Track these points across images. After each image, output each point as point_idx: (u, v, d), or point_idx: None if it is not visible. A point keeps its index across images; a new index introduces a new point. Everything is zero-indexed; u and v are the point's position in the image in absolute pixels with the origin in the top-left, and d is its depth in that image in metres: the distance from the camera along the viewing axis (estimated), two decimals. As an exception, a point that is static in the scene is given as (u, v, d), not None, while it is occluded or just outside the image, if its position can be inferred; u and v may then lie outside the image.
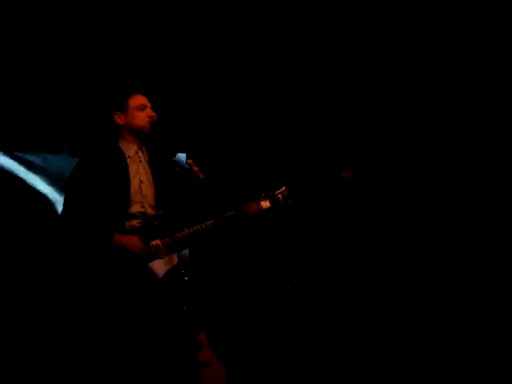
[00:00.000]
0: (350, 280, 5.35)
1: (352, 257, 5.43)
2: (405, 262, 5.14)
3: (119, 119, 3.31)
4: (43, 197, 5.32)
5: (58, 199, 5.29)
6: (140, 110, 3.28)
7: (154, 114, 3.27)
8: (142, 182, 3.20)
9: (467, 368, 4.34)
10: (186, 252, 4.74)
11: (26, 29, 5.21)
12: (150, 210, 3.16)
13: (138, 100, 3.32)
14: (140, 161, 3.27)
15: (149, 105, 3.32)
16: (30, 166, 5.57)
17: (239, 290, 5.56)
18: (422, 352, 4.67)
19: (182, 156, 7.01)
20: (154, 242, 3.02)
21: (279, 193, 3.25)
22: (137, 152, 3.29)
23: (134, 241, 3.00)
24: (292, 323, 5.22)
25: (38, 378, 4.27)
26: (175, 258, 3.11)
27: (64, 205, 3.09)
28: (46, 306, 4.63)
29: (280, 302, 5.41)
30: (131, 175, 3.18)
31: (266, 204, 3.21)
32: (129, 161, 3.23)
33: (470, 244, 4.81)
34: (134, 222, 3.09)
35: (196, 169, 3.18)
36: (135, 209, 3.12)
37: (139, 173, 3.23)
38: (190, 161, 3.28)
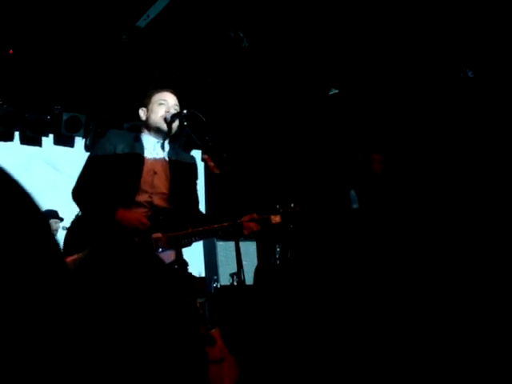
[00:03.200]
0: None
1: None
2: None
3: (143, 114, 3.34)
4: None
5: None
6: (158, 105, 3.28)
7: (170, 109, 3.24)
8: (155, 173, 3.20)
9: (467, 368, 4.32)
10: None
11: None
12: (158, 202, 3.15)
13: (160, 96, 3.31)
14: (158, 154, 3.27)
15: (171, 101, 3.29)
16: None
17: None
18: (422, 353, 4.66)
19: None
20: (155, 235, 3.01)
21: (292, 209, 3.20)
22: (155, 145, 3.28)
23: (136, 214, 3.01)
24: (305, 319, 5.22)
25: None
26: (174, 254, 3.08)
27: (77, 180, 3.14)
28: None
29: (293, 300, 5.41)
30: (146, 166, 3.18)
31: (275, 219, 3.16)
32: (146, 152, 3.23)
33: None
34: (139, 211, 3.09)
35: (211, 164, 3.16)
36: (142, 198, 3.11)
37: (155, 166, 3.22)
38: (205, 156, 3.26)
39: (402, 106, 5.74)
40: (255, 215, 3.12)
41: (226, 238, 3.21)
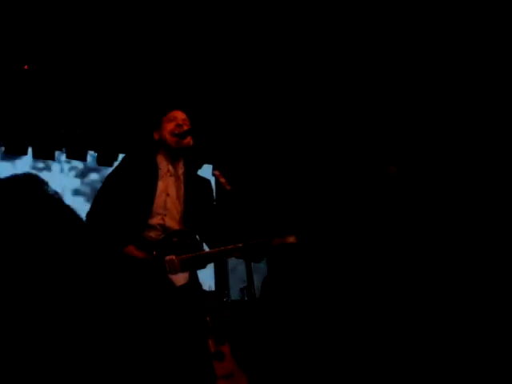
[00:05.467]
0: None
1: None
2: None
3: (156, 135, 3.38)
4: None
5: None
6: (169, 123, 3.32)
7: (181, 126, 3.27)
8: (168, 195, 3.20)
9: (467, 368, 4.30)
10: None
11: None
12: (171, 224, 3.15)
13: (170, 114, 3.36)
14: (171, 175, 3.28)
15: (181, 118, 3.34)
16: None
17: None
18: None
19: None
20: (168, 257, 2.99)
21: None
22: (168, 166, 3.30)
23: (142, 254, 2.99)
24: (314, 333, 5.20)
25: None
26: (188, 276, 3.08)
27: (91, 205, 3.16)
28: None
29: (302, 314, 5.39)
30: (159, 188, 3.20)
31: (291, 239, 3.16)
32: (160, 174, 3.25)
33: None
34: (152, 234, 3.09)
35: (223, 180, 3.17)
36: (155, 221, 3.11)
37: (168, 187, 3.23)
38: (216, 172, 3.28)
39: (412, 116, 5.74)
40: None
41: (241, 258, 3.17)
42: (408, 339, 4.90)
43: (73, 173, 7.66)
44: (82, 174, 7.72)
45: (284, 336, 5.27)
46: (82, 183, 7.66)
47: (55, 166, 7.51)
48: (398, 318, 5.10)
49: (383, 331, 5.07)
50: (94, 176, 7.67)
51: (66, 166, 7.63)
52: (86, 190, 7.64)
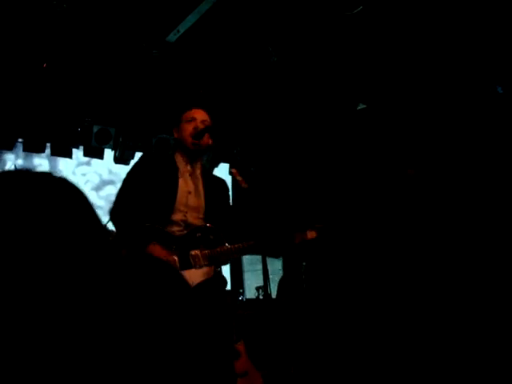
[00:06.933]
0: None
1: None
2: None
3: (175, 133, 3.41)
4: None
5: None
6: (187, 123, 3.33)
7: (198, 125, 3.29)
8: (189, 193, 3.26)
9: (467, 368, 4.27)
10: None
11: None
12: (192, 220, 3.21)
13: (190, 114, 3.37)
14: (190, 173, 3.32)
15: (200, 117, 3.34)
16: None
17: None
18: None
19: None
20: (193, 252, 3.07)
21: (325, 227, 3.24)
22: (187, 165, 3.34)
23: (163, 252, 3.02)
24: (327, 333, 5.19)
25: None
26: (212, 271, 3.13)
27: (114, 201, 3.22)
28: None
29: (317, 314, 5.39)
30: (180, 186, 3.25)
31: (311, 234, 3.19)
32: (180, 172, 3.29)
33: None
34: (174, 229, 3.16)
35: (239, 178, 3.20)
36: (177, 217, 3.18)
37: (188, 184, 3.29)
38: (233, 170, 3.30)
39: (430, 120, 5.72)
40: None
41: (261, 254, 3.21)
42: (425, 339, 4.89)
43: (88, 186, 7.69)
44: (98, 188, 7.76)
45: (299, 335, 5.26)
46: (98, 197, 7.68)
47: (70, 180, 7.51)
48: (416, 317, 5.07)
49: (400, 331, 5.05)
50: (109, 189, 7.71)
51: (82, 179, 7.67)
52: (102, 203, 7.69)
